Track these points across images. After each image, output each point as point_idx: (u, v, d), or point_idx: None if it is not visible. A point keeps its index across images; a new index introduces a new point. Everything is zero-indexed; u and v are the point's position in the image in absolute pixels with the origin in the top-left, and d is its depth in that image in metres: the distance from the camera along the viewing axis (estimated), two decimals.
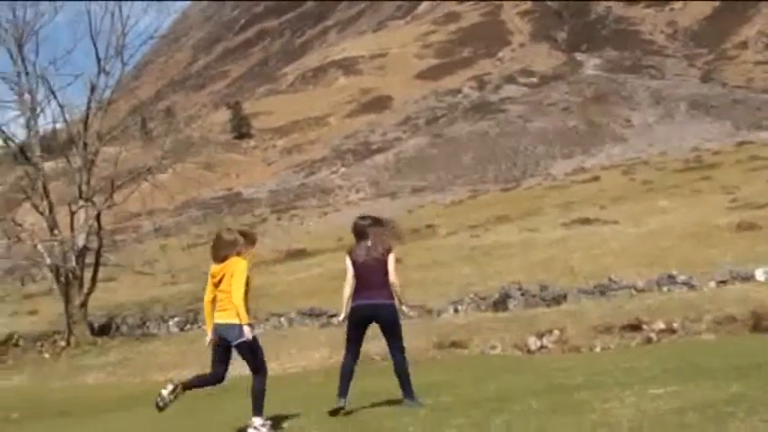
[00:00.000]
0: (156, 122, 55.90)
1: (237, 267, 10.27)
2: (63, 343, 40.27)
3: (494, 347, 24.54)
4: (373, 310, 11.49)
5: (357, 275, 11.34)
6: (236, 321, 10.20)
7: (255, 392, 10.74)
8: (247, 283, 10.34)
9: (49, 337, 41.98)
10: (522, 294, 32.53)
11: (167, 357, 33.54)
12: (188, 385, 10.75)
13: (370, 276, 11.29)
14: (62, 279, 40.64)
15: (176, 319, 42.75)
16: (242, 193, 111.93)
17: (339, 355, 27.37)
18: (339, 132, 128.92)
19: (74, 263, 40.25)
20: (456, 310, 33.74)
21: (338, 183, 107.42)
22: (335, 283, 42.33)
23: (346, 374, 11.61)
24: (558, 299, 30.78)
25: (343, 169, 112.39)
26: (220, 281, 10.24)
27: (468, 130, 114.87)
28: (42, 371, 36.17)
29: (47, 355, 39.43)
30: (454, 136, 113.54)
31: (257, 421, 10.36)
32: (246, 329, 10.30)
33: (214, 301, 10.43)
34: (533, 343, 23.49)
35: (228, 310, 10.20)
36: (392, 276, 11.60)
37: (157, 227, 58.65)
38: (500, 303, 32.63)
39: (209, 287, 10.47)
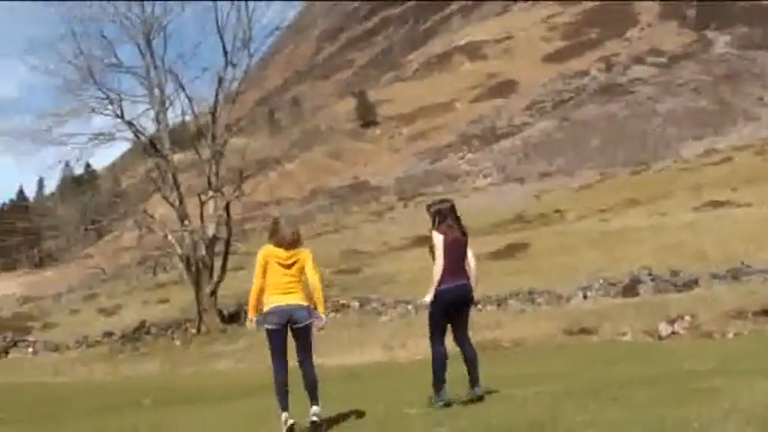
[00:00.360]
0: (283, 113, 56.54)
1: (310, 256, 10.43)
2: (193, 331, 41.17)
3: (623, 334, 24.21)
4: (463, 293, 10.85)
5: (445, 256, 10.80)
6: (306, 303, 10.17)
7: (315, 380, 10.26)
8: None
9: (179, 325, 42.98)
10: (653, 279, 32.01)
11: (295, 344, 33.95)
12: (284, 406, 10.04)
13: (458, 257, 10.81)
14: (192, 268, 41.52)
15: None
16: (368, 181, 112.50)
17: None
18: (465, 118, 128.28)
19: (204, 252, 41.10)
20: (585, 296, 33.40)
21: (465, 168, 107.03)
22: None
23: (443, 366, 10.90)
24: (690, 284, 30.19)
25: (469, 155, 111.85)
26: (292, 265, 10.22)
27: (596, 112, 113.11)
28: (173, 358, 37.04)
29: (178, 343, 40.37)
30: (582, 119, 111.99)
31: (318, 409, 10.02)
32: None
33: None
34: (664, 329, 23.06)
35: (297, 292, 10.18)
36: (472, 259, 11.06)
37: (285, 215, 59.45)
38: (630, 289, 32.17)
39: (275, 271, 10.25)
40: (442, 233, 10.73)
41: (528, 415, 8.51)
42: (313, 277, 10.22)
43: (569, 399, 9.33)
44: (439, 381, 10.65)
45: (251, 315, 10.25)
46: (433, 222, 10.80)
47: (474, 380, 10.56)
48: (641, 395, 9.43)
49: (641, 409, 8.15)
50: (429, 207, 11.12)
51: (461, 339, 10.93)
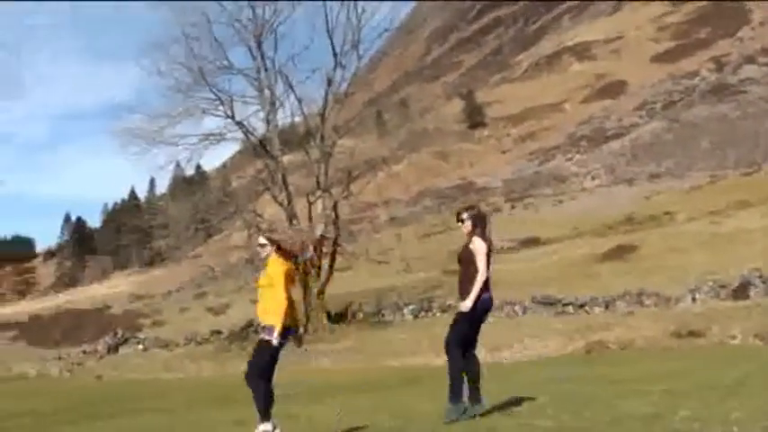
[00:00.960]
0: (391, 114, 56.69)
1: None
2: (301, 330, 41.53)
3: (733, 337, 23.71)
4: (490, 305, 10.53)
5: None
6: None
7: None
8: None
9: None
10: (764, 282, 31.36)
11: (402, 344, 34.09)
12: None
13: (489, 268, 10.35)
14: (300, 268, 41.92)
15: (411, 307, 43.37)
16: (475, 182, 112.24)
17: (575, 344, 27.21)
18: (574, 119, 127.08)
19: (312, 252, 41.43)
20: (694, 299, 32.89)
21: (573, 170, 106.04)
22: (572, 271, 41.97)
23: (463, 378, 10.22)
24: None
25: (578, 156, 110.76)
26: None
27: (707, 113, 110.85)
28: (280, 356, 37.41)
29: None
30: (692, 120, 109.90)
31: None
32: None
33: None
34: None
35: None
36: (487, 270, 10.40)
37: (393, 216, 59.63)
38: (740, 291, 31.56)
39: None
40: (485, 241, 10.32)
41: (642, 408, 8.41)
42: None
43: (681, 396, 9.18)
44: (459, 394, 10.05)
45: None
46: (474, 228, 10.31)
47: (478, 397, 10.10)
48: (755, 391, 9.26)
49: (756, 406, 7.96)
50: (467, 211, 10.59)
51: (472, 352, 10.46)
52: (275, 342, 9.64)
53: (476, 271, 10.01)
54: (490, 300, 10.36)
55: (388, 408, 9.96)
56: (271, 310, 9.71)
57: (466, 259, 10.22)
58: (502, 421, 8.68)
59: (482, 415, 9.94)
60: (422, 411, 10.96)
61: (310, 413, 14.48)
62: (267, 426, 9.64)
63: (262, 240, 10.18)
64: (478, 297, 10.01)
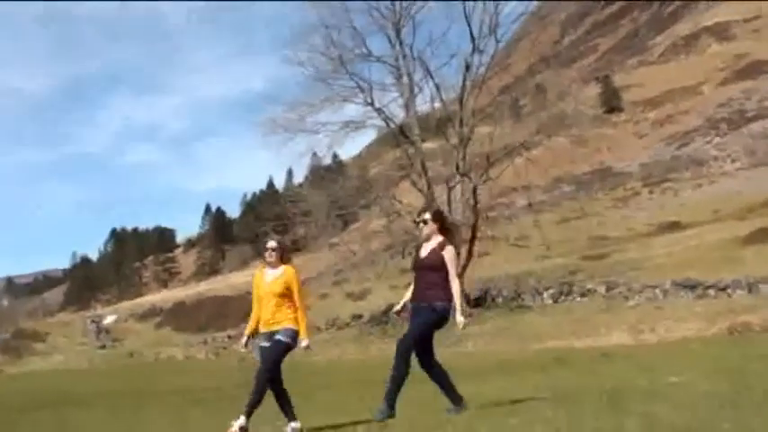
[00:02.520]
0: (527, 99, 56.43)
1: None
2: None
3: None
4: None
5: None
6: None
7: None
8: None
9: None
10: None
11: (543, 327, 34.09)
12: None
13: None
14: None
15: (551, 291, 43.26)
16: (612, 167, 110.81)
17: (716, 326, 26.85)
18: (713, 101, 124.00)
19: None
20: None
21: (713, 153, 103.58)
22: (713, 255, 41.17)
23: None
24: None
25: (717, 139, 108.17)
26: None
27: None
28: None
29: None
30: None
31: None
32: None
33: None
34: None
35: None
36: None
37: (530, 202, 59.37)
38: None
39: None
40: (455, 247, 10.01)
41: None
42: None
43: None
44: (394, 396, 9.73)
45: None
46: (440, 230, 9.72)
47: (458, 398, 9.88)
48: None
49: None
50: (428, 211, 9.98)
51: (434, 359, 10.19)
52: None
53: (443, 278, 9.43)
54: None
55: (549, 386, 10.08)
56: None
57: (429, 264, 9.54)
58: (665, 389, 8.75)
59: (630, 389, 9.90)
60: (577, 390, 11.04)
61: (476, 391, 14.70)
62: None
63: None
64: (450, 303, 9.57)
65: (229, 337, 53.93)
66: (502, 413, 8.75)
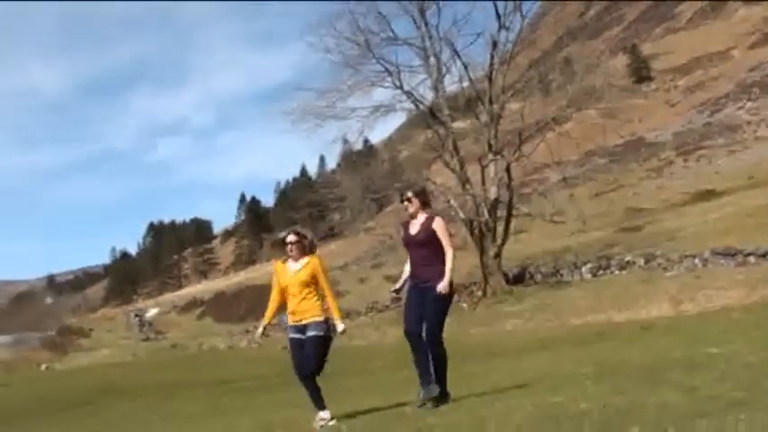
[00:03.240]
0: (556, 73, 56.23)
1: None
2: (480, 293, 41.86)
3: None
4: None
5: None
6: None
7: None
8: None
9: (465, 288, 43.76)
10: None
11: (582, 302, 34.05)
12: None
13: None
14: (476, 232, 42.20)
15: (589, 266, 43.17)
16: (645, 137, 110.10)
17: (757, 294, 26.73)
18: (743, 66, 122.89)
19: (486, 215, 41.65)
20: None
21: (745, 118, 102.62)
22: (750, 222, 40.87)
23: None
24: None
25: (749, 104, 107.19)
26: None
27: None
28: (462, 319, 37.88)
29: (464, 305, 41.14)
30: None
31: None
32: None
33: None
34: None
35: None
36: None
37: (564, 176, 59.21)
38: None
39: None
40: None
41: None
42: None
43: None
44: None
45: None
46: (424, 207, 9.63)
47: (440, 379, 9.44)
48: None
49: None
50: (411, 189, 9.79)
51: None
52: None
53: (435, 252, 9.37)
54: None
55: (590, 360, 10.10)
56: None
57: (423, 240, 9.44)
58: (706, 360, 8.75)
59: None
60: (619, 363, 11.05)
61: (517, 368, 14.81)
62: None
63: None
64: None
65: (271, 325, 54.19)
66: (545, 390, 8.80)
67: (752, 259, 34.72)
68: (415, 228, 9.52)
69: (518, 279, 42.86)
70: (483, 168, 42.30)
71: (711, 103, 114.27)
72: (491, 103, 42.13)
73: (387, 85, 43.30)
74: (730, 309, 24.70)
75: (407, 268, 9.65)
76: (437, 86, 43.06)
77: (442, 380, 9.25)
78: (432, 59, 43.09)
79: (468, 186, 42.12)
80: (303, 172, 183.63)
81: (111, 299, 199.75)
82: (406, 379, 14.75)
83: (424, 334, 9.31)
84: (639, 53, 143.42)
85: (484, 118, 42.74)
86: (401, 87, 42.88)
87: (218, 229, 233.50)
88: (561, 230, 52.36)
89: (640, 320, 25.29)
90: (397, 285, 9.79)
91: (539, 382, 10.00)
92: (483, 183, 42.20)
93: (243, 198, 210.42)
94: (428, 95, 44.22)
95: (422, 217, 9.52)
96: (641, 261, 40.36)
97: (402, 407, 9.35)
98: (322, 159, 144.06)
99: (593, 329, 24.57)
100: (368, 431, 7.50)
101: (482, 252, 41.83)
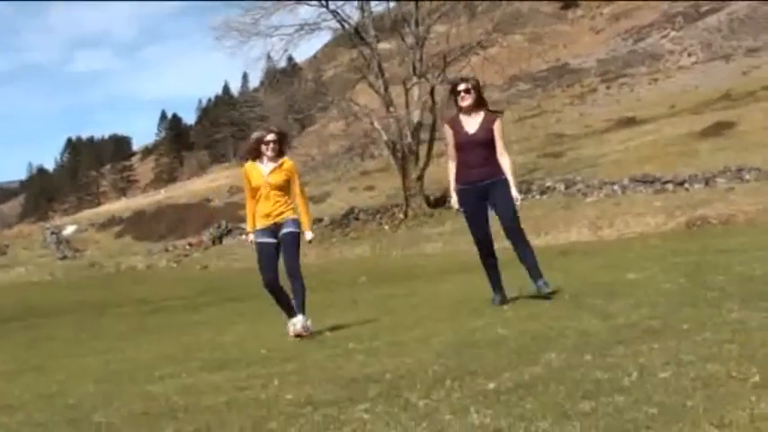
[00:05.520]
0: None
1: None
2: (401, 215, 42.02)
3: None
4: None
5: None
6: None
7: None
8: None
9: (387, 211, 43.92)
10: None
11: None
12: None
13: None
14: (399, 155, 42.20)
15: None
16: (569, 63, 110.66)
17: (675, 221, 27.20)
18: None
19: (410, 138, 41.64)
20: None
21: (669, 47, 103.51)
22: (670, 150, 41.45)
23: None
24: None
25: (673, 33, 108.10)
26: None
27: None
28: (382, 242, 38.03)
29: (386, 227, 41.32)
30: None
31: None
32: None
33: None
34: None
35: None
36: None
37: (488, 101, 59.36)
38: None
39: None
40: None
41: (759, 270, 8.51)
42: None
43: None
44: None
45: None
46: (481, 101, 9.14)
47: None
48: None
49: None
50: (469, 81, 9.27)
51: None
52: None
53: (491, 155, 8.99)
54: None
55: (509, 284, 10.12)
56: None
57: (482, 140, 8.95)
58: (624, 286, 8.84)
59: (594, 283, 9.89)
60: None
61: (436, 291, 14.86)
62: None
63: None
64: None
65: (190, 244, 53.82)
66: (464, 314, 8.82)
67: (670, 187, 35.21)
68: (471, 126, 8.93)
69: (439, 202, 42.99)
70: (407, 91, 42.19)
71: (635, 32, 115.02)
72: (417, 25, 41.87)
73: (312, 2, 42.78)
74: (648, 235, 25.10)
75: (453, 176, 9.08)
76: (363, 6, 42.71)
77: (535, 267, 9.11)
78: None
79: (391, 109, 42.01)
80: (226, 90, 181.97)
81: (28, 215, 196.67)
82: (323, 303, 14.77)
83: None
84: None
85: (409, 40, 42.50)
86: (326, 6, 42.39)
87: (137, 146, 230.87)
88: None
89: (560, 245, 25.56)
90: (456, 202, 9.18)
91: (458, 306, 10.03)
92: (407, 105, 42.12)
93: (164, 115, 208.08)
94: (354, 15, 43.88)
95: (478, 115, 8.97)
96: (562, 187, 40.73)
97: (322, 332, 9.30)
98: (245, 77, 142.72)
99: (512, 253, 24.77)
100: (288, 355, 7.43)
101: (404, 175, 41.89)
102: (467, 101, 8.90)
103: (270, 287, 9.37)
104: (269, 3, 42.78)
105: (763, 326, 5.32)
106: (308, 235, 9.61)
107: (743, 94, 63.09)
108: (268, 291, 9.43)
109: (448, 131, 9.08)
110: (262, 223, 9.36)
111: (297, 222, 9.41)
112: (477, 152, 8.91)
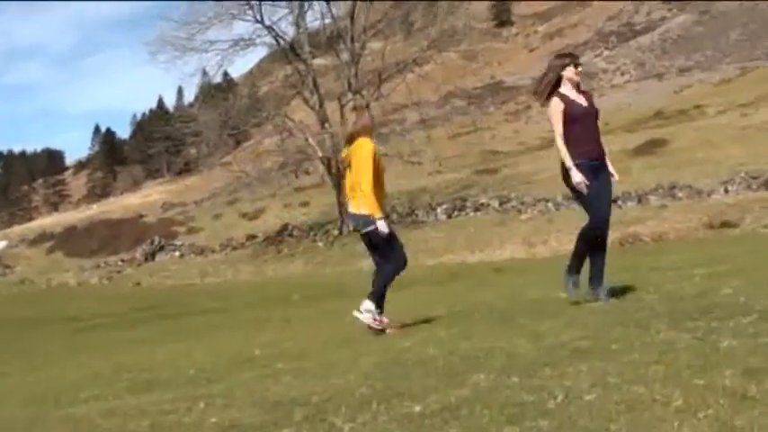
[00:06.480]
0: (418, 14, 56.32)
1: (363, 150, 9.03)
2: (335, 232, 41.94)
3: (766, 226, 23.93)
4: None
5: None
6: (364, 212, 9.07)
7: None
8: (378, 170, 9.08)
9: (321, 227, 43.84)
10: None
11: (437, 243, 34.43)
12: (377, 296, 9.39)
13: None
14: (333, 171, 42.13)
15: (444, 207, 43.61)
16: (504, 81, 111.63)
17: (609, 237, 27.44)
18: (602, 14, 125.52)
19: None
20: (726, 190, 32.99)
21: (602, 66, 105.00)
22: None
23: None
24: None
25: (606, 52, 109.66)
26: (349, 164, 9.19)
27: (737, 4, 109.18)
28: (316, 259, 37.94)
29: (320, 244, 41.23)
30: (722, 11, 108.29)
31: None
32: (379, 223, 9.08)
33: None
34: None
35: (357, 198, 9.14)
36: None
37: (423, 117, 59.58)
38: None
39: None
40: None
41: (687, 289, 8.56)
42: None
43: (723, 277, 9.29)
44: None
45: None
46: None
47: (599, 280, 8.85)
48: None
49: None
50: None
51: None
52: None
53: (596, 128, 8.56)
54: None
55: (443, 302, 10.10)
56: None
57: (596, 112, 8.64)
58: (555, 305, 8.85)
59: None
60: (471, 306, 11.12)
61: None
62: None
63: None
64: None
65: (122, 260, 53.25)
66: (397, 333, 8.78)
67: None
68: (583, 99, 8.49)
69: None
70: (342, 107, 42.16)
71: (570, 50, 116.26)
72: (352, 41, 41.90)
73: (247, 18, 42.66)
74: None
75: (566, 152, 8.30)
76: (299, 22, 42.64)
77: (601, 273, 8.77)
78: None
79: (326, 125, 41.96)
80: (161, 104, 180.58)
81: None
82: (259, 318, 14.66)
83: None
84: None
85: (345, 56, 42.53)
86: (262, 21, 42.30)
87: (71, 160, 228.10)
88: (418, 171, 52.71)
89: (494, 262, 25.70)
90: (578, 176, 8.23)
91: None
92: (342, 121, 42.12)
93: (97, 129, 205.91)
94: (289, 31, 43.86)
95: (580, 92, 8.56)
96: (496, 203, 40.98)
97: (254, 349, 9.20)
98: (180, 92, 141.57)
99: (447, 270, 24.84)
100: (216, 376, 7.33)
101: (339, 190, 41.79)
102: (576, 77, 8.55)
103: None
104: (204, 18, 42.59)
105: (689, 346, 5.33)
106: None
107: (675, 113, 64.13)
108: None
109: (560, 104, 8.39)
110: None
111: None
112: (593, 127, 8.53)
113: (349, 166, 9.17)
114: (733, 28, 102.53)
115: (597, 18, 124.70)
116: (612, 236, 27.19)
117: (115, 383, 7.85)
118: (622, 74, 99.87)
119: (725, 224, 25.38)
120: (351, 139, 9.21)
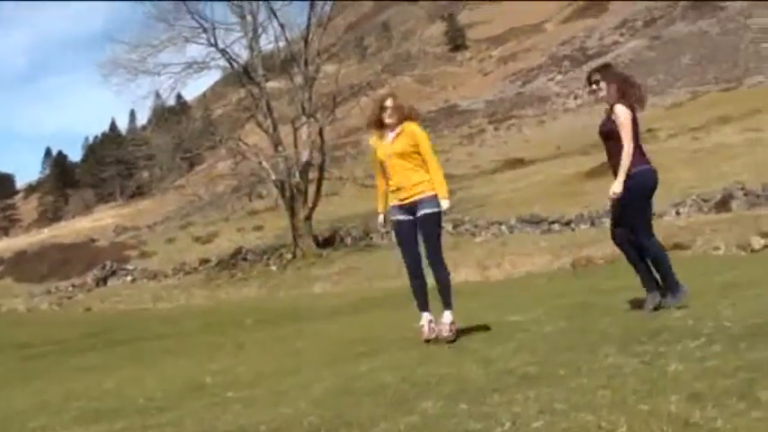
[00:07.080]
0: (373, 38, 56.54)
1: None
2: (289, 255, 41.79)
3: (717, 248, 24.15)
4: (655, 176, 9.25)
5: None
6: None
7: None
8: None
9: (275, 251, 43.69)
10: (746, 195, 31.77)
11: (392, 266, 34.41)
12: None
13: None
14: (287, 194, 42.04)
15: None
16: (458, 104, 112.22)
17: (561, 260, 27.55)
18: (555, 39, 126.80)
19: (298, 178, 41.54)
20: (678, 213, 33.31)
21: (555, 90, 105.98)
22: (557, 190, 42.15)
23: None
24: None
25: (559, 76, 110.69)
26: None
27: (687, 30, 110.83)
28: (270, 282, 37.79)
29: (274, 268, 41.07)
30: (673, 37, 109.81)
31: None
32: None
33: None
34: (756, 242, 22.94)
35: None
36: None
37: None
38: (723, 204, 31.96)
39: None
40: (629, 108, 8.65)
41: (636, 312, 8.63)
42: None
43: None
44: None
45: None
46: (618, 94, 8.64)
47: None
48: (747, 293, 9.48)
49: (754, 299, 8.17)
50: (600, 71, 9.02)
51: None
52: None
53: (618, 149, 8.43)
54: (652, 171, 8.92)
55: (397, 325, 10.08)
56: None
57: (606, 132, 8.58)
58: (507, 329, 8.89)
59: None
60: None
61: (322, 329, 14.73)
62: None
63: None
64: (628, 174, 8.50)
65: (74, 285, 52.66)
66: (347, 359, 8.76)
67: (556, 227, 35.80)
68: (605, 120, 8.60)
69: (328, 242, 42.96)
70: (296, 130, 42.16)
71: (523, 74, 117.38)
72: (306, 65, 41.91)
73: (201, 41, 42.52)
74: (534, 275, 25.39)
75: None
76: (252, 45, 42.53)
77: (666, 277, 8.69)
78: (248, 17, 42.51)
79: (280, 148, 41.89)
80: (113, 127, 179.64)
81: None
82: (212, 343, 14.56)
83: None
84: (456, 22, 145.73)
85: (299, 80, 42.52)
86: (215, 45, 42.17)
87: (21, 183, 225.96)
88: (373, 194, 52.74)
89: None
90: (620, 187, 8.48)
91: (344, 348, 9.98)
92: (296, 145, 42.10)
93: (48, 152, 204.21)
94: (243, 54, 43.74)
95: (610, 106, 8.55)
96: (450, 227, 41.01)
97: (206, 376, 9.14)
98: (133, 114, 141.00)
99: (402, 293, 24.79)
100: (166, 404, 7.27)
101: (293, 214, 41.74)
102: (599, 94, 8.78)
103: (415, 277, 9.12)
104: (157, 41, 42.44)
105: (636, 371, 5.38)
106: (445, 204, 8.89)
107: None
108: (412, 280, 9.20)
109: (629, 113, 8.48)
110: (394, 199, 8.97)
111: (434, 201, 8.86)
112: (611, 145, 8.60)
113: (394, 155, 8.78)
114: (683, 53, 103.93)
115: (550, 42, 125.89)
116: (565, 258, 27.46)
117: (63, 413, 7.76)
118: (575, 98, 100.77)
119: (677, 246, 25.51)
120: (400, 120, 8.80)
